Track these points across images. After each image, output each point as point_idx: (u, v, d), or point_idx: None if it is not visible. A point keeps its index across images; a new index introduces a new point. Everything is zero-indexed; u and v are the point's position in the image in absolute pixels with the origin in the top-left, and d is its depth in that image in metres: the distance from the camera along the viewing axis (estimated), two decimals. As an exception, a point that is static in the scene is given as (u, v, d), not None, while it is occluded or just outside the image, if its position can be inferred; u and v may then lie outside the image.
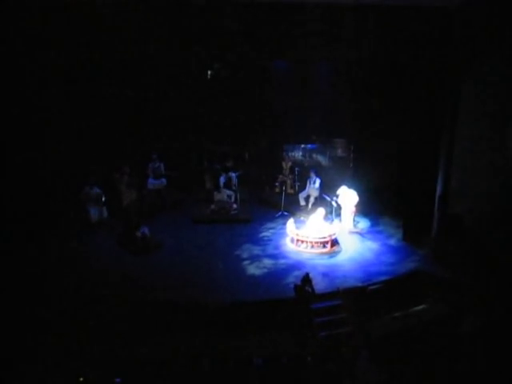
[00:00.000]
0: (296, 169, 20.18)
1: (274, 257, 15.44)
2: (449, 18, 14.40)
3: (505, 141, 13.99)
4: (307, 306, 12.65)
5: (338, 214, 17.29)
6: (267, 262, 15.12)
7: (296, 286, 12.77)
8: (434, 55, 15.76)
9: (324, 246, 15.77)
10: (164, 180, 19.33)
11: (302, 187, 19.37)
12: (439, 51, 15.28)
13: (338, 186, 17.19)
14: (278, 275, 14.33)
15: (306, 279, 12.63)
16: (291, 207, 18.78)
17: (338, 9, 16.59)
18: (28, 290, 13.11)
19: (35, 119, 16.78)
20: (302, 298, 12.61)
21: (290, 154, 21.55)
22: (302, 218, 17.58)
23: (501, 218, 14.00)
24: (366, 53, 18.05)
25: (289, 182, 20.12)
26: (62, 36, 16.34)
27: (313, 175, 18.68)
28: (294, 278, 13.92)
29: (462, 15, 14.08)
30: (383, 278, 14.10)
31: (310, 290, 12.61)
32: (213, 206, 18.38)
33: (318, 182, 18.50)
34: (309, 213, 17.43)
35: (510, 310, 12.24)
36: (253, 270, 14.66)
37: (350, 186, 17.11)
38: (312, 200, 18.60)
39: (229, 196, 18.64)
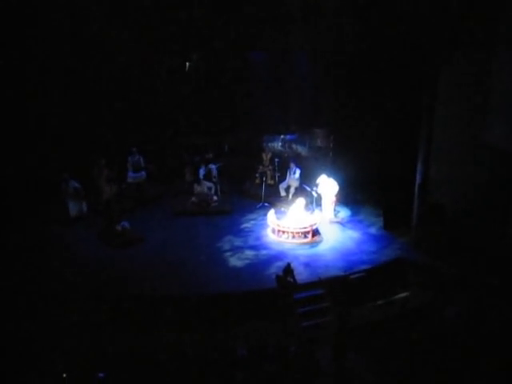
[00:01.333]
0: (276, 160, 20.08)
1: (255, 248, 15.45)
2: (427, 6, 14.45)
3: (482, 129, 14.13)
4: (290, 296, 12.67)
5: (319, 204, 17.29)
6: (249, 253, 15.13)
7: (278, 277, 12.79)
8: (412, 44, 15.82)
9: (305, 236, 15.80)
10: (144, 173, 19.24)
11: (282, 178, 19.33)
12: (417, 40, 15.33)
13: (318, 176, 17.19)
14: (259, 266, 14.36)
15: (288, 270, 12.64)
16: (272, 198, 18.73)
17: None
18: (8, 284, 13.00)
19: (13, 113, 16.65)
20: (284, 289, 12.63)
21: (269, 144, 21.49)
22: (282, 209, 17.57)
23: (480, 205, 14.13)
24: (344, 42, 18.04)
25: (269, 172, 20.04)
26: (41, 30, 16.21)
27: (293, 166, 18.68)
28: (275, 269, 13.95)
29: (441, 3, 14.12)
30: (365, 266, 14.19)
31: (291, 280, 12.63)
32: (193, 199, 18.27)
33: (297, 172, 18.49)
34: (289, 203, 17.44)
35: (491, 296, 12.37)
36: (235, 261, 14.67)
37: (329, 176, 17.12)
38: (292, 190, 18.58)
39: (209, 188, 18.55)
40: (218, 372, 10.63)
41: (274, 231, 16.08)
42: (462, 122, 14.62)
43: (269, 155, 20.50)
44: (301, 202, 16.64)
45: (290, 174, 18.72)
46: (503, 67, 13.63)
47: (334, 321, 12.29)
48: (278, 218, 16.30)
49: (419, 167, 15.28)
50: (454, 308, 12.33)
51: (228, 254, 15.12)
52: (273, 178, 20.11)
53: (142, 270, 14.14)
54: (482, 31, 13.82)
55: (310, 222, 15.95)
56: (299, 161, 19.70)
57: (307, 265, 14.36)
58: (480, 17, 13.69)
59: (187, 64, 20.91)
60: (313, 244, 15.70)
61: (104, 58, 18.56)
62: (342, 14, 17.14)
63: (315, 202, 17.26)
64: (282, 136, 21.68)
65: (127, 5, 16.55)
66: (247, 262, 14.66)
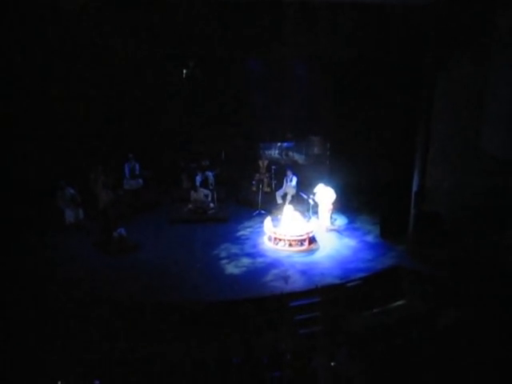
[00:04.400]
0: (272, 167, 20.15)
1: (252, 255, 15.44)
2: (424, 15, 14.51)
3: (479, 137, 14.15)
4: None
5: (315, 212, 17.31)
6: (245, 260, 15.12)
7: None
8: (409, 51, 15.87)
9: (302, 244, 15.80)
10: (140, 180, 19.25)
11: (279, 185, 19.36)
12: (414, 49, 15.39)
13: (315, 184, 17.21)
14: (256, 274, 14.35)
15: None
16: (268, 206, 18.76)
17: (313, 6, 16.60)
18: (2, 292, 12.95)
19: (7, 118, 16.66)
20: None
21: (266, 152, 21.56)
22: (279, 217, 17.57)
23: (477, 213, 14.14)
24: (342, 50, 18.06)
25: (265, 180, 20.09)
26: (35, 36, 16.21)
27: (289, 173, 18.70)
28: (272, 276, 14.05)
29: (437, 12, 14.17)
30: (361, 274, 14.20)
31: None
32: (190, 206, 18.28)
33: (294, 180, 18.53)
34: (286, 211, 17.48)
35: (488, 304, 12.36)
36: (231, 269, 14.65)
37: (326, 184, 17.13)
38: (289, 198, 18.59)
39: (206, 195, 18.56)
40: (213, 380, 10.60)
41: (270, 239, 16.08)
42: (459, 130, 14.64)
43: (265, 163, 20.56)
44: (289, 208, 16.69)
45: (286, 182, 18.75)
46: (499, 76, 13.66)
47: (330, 329, 12.32)
48: (274, 226, 16.30)
49: (416, 175, 15.32)
50: (449, 316, 12.34)
51: (224, 261, 15.10)
52: (269, 185, 20.14)
53: (138, 277, 14.10)
54: (477, 39, 13.87)
55: (306, 230, 15.96)
56: (296, 168, 19.76)
57: (304, 272, 14.36)
58: (476, 25, 13.74)
59: (184, 71, 20.92)
60: (309, 252, 15.70)
61: (99, 64, 18.53)
62: (337, 22, 17.15)
63: (312, 210, 17.28)
64: (278, 144, 21.73)
65: (123, 12, 16.54)
66: (244, 269, 14.64)
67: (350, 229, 17.36)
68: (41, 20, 16.03)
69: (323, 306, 13.12)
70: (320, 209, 17.13)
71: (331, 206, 17.07)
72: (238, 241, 16.50)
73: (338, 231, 17.10)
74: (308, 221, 16.92)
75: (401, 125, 17.44)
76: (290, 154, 21.71)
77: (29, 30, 16.10)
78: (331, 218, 17.35)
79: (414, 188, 15.40)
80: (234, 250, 15.83)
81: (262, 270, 14.58)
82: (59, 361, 11.11)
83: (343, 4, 16.23)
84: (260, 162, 20.64)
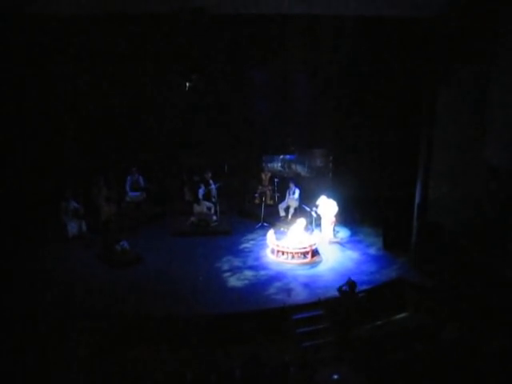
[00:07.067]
0: (275, 180, 20.13)
1: (254, 268, 15.40)
2: (424, 28, 14.55)
3: (482, 148, 14.17)
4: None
5: (318, 224, 17.28)
6: (248, 273, 15.08)
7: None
8: (411, 65, 15.92)
9: (304, 257, 15.77)
10: (143, 193, 19.24)
11: (282, 198, 19.36)
12: (415, 61, 15.43)
13: (318, 196, 17.21)
14: (259, 287, 14.31)
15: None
16: (271, 218, 18.73)
17: (315, 20, 16.68)
18: (4, 305, 12.94)
19: (9, 130, 16.73)
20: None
21: (268, 164, 21.50)
22: (282, 229, 17.56)
23: (480, 224, 14.13)
24: (344, 63, 18.13)
25: (268, 193, 20.07)
26: (41, 49, 16.33)
27: (292, 186, 18.71)
28: (275, 289, 13.99)
29: (438, 25, 14.22)
30: (364, 287, 14.11)
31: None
32: (192, 219, 18.26)
33: (297, 192, 18.53)
34: (289, 223, 17.45)
35: (490, 318, 12.32)
36: (234, 281, 14.61)
37: (329, 196, 17.13)
38: (292, 211, 18.59)
39: (208, 208, 18.56)
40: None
41: (273, 251, 16.05)
42: (461, 141, 14.67)
43: (268, 175, 20.54)
44: (301, 222, 16.64)
45: (289, 194, 18.74)
46: (501, 87, 13.70)
47: (333, 341, 12.30)
48: (277, 239, 16.28)
49: (418, 187, 15.32)
50: (452, 329, 12.29)
51: (227, 274, 15.07)
52: (272, 198, 20.12)
53: (140, 289, 14.07)
54: (479, 51, 13.91)
55: (309, 243, 15.93)
56: (298, 181, 19.73)
57: (306, 285, 14.33)
58: (477, 37, 13.77)
59: (187, 84, 20.96)
60: (312, 264, 15.67)
61: (101, 76, 18.60)
62: (340, 37, 17.24)
63: (315, 222, 17.26)
64: (281, 156, 21.71)
65: (127, 28, 16.64)
66: (246, 282, 14.61)
67: (353, 241, 17.34)
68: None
69: (326, 318, 13.09)
70: (323, 221, 17.12)
71: (334, 219, 17.07)
72: (240, 253, 16.46)
73: (340, 244, 17.07)
74: (311, 233, 16.89)
75: (403, 137, 17.44)
76: (293, 166, 21.67)
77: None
78: (334, 230, 17.34)
79: (417, 200, 15.39)
80: (237, 262, 15.80)
81: (264, 282, 14.55)
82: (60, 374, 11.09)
83: (345, 18, 16.29)
84: (263, 175, 20.62)
